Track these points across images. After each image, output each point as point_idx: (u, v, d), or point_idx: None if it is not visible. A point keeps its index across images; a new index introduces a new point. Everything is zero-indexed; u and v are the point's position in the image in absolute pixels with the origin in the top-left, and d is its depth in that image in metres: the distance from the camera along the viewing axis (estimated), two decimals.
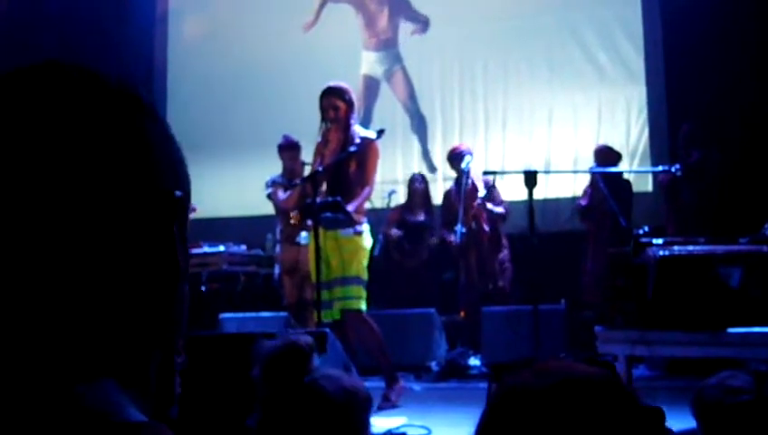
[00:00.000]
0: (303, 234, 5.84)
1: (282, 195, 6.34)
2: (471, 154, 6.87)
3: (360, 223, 4.88)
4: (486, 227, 6.80)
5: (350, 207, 4.80)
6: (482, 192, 6.70)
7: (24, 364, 0.56)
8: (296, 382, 1.79)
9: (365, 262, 4.89)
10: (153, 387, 0.64)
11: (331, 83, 5.10)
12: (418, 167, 8.46)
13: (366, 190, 4.93)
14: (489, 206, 6.75)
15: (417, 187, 7.39)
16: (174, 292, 0.66)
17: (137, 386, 0.61)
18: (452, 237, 6.74)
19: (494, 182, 6.75)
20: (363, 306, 4.83)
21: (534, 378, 0.95)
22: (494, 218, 6.83)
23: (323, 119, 4.97)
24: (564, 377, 0.94)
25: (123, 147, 0.61)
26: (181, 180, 0.67)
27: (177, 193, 0.65)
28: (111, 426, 0.54)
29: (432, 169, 8.51)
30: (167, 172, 0.65)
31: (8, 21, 8.34)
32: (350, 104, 4.97)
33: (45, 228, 0.57)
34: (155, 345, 0.64)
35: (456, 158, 6.92)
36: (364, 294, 4.84)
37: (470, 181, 6.67)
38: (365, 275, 4.86)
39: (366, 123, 8.77)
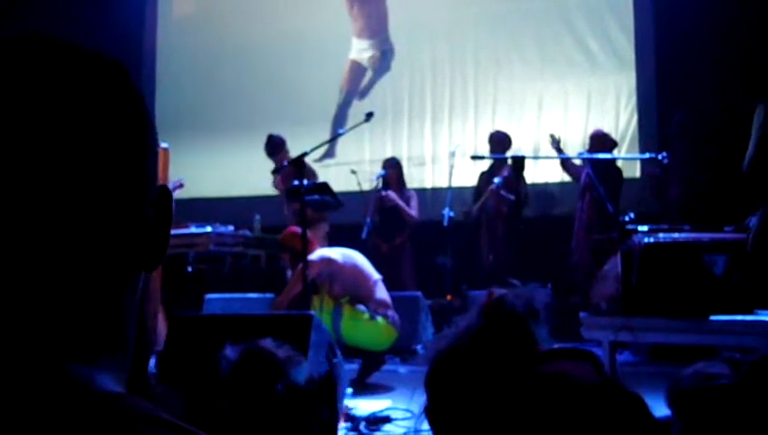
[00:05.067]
0: None
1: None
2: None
3: None
4: (505, 209, 7.02)
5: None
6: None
7: (17, 343, 0.58)
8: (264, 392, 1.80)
9: None
10: (130, 359, 0.66)
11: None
12: (408, 150, 8.45)
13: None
14: (502, 192, 6.96)
15: (391, 171, 7.37)
16: (148, 273, 0.68)
17: (115, 359, 0.63)
18: (473, 208, 7.25)
19: (510, 172, 6.84)
20: None
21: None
22: (510, 204, 6.94)
23: None
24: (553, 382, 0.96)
25: (108, 123, 0.62)
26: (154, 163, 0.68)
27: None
28: (93, 395, 0.56)
29: (421, 152, 8.51)
30: (149, 152, 0.66)
31: None
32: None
33: (31, 205, 0.58)
34: (130, 319, 0.66)
35: (498, 142, 7.17)
36: None
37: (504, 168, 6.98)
38: None
39: (348, 106, 8.77)
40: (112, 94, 0.63)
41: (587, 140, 7.12)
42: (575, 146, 7.43)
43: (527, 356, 1.10)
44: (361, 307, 5.08)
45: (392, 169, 7.39)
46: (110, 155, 0.61)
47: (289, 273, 5.94)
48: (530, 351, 1.12)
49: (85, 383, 0.57)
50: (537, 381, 1.04)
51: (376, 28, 8.88)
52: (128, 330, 0.66)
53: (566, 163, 7.11)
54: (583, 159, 6.70)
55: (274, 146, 7.10)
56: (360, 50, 8.92)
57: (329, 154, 8.49)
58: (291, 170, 5.91)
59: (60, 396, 0.55)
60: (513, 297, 1.24)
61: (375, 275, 5.28)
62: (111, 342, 0.63)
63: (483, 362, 1.12)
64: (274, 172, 6.68)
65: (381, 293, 5.23)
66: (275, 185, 7.06)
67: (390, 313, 5.17)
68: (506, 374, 1.07)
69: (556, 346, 1.14)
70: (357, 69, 8.89)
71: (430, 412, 1.18)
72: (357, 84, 8.87)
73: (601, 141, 6.88)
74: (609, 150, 6.85)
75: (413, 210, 7.27)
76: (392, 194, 7.24)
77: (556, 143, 6.92)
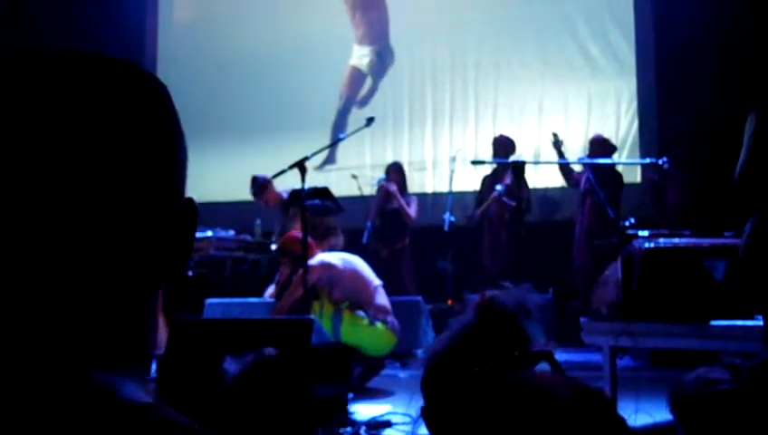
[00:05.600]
0: None
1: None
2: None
3: None
4: (507, 215, 7.05)
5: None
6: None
7: (44, 350, 0.58)
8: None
9: None
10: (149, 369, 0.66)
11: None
12: (408, 155, 8.46)
13: None
14: (504, 199, 7.01)
15: (394, 176, 7.38)
16: (170, 281, 0.69)
17: (139, 368, 0.64)
18: (476, 213, 7.29)
19: (513, 180, 6.85)
20: None
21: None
22: (512, 210, 6.95)
23: None
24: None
25: (143, 137, 0.63)
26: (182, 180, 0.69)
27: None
28: (121, 405, 0.57)
29: (422, 157, 8.51)
30: (181, 168, 0.67)
31: None
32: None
33: (64, 214, 0.58)
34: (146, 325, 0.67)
35: (502, 146, 7.22)
36: None
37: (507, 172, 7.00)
38: None
39: (348, 112, 8.77)
40: (149, 109, 0.64)
41: (587, 145, 7.13)
42: (575, 151, 7.43)
43: (501, 363, 1.11)
44: (361, 313, 5.09)
45: (395, 173, 7.40)
46: (144, 167, 0.62)
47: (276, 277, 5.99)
48: (505, 359, 1.14)
49: (112, 392, 0.57)
50: (509, 389, 1.05)
51: (377, 35, 8.89)
52: (148, 339, 0.66)
53: (565, 168, 7.10)
54: (584, 164, 6.70)
55: (259, 187, 7.04)
56: (361, 56, 8.93)
57: (330, 160, 8.50)
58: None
59: (87, 406, 0.55)
60: (505, 297, 1.25)
61: (375, 280, 5.28)
62: (134, 350, 0.64)
63: (477, 361, 1.13)
64: (275, 177, 6.65)
65: (381, 298, 5.23)
66: (263, 202, 7.04)
67: (390, 318, 5.17)
68: (485, 381, 1.09)
69: (517, 353, 1.15)
70: (357, 75, 8.91)
71: (427, 414, 1.18)
72: (357, 90, 8.88)
73: (601, 146, 6.88)
74: (609, 155, 6.86)
75: (413, 213, 7.28)
76: (393, 186, 7.25)
77: (558, 144, 6.90)
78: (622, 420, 1.04)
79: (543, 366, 1.13)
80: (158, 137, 0.64)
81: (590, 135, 7.31)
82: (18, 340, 0.58)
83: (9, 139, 0.58)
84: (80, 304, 0.60)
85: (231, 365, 2.29)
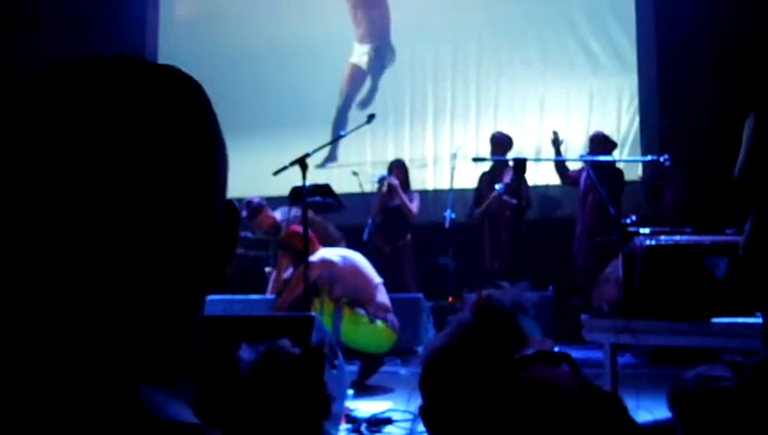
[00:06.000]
0: None
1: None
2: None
3: None
4: (507, 213, 7.04)
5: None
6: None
7: (92, 363, 0.57)
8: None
9: None
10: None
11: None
12: (409, 152, 8.45)
13: None
14: (505, 198, 7.01)
15: (397, 173, 7.38)
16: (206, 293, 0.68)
17: (187, 382, 0.63)
18: (476, 212, 7.26)
19: (512, 176, 6.84)
20: None
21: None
22: (513, 208, 6.94)
23: None
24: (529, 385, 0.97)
25: (185, 143, 0.63)
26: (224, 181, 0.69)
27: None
28: (165, 426, 0.55)
29: (423, 154, 8.51)
30: (221, 173, 0.67)
31: None
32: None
33: (112, 222, 0.58)
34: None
35: (500, 143, 7.20)
36: None
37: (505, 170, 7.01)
38: None
39: (347, 110, 8.77)
40: (189, 115, 0.64)
41: (588, 143, 7.12)
42: (577, 148, 7.43)
43: (506, 363, 1.11)
44: (361, 311, 5.08)
45: (398, 170, 7.40)
46: (186, 175, 0.62)
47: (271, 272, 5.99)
48: (508, 358, 1.13)
49: (156, 411, 0.56)
50: (515, 387, 1.05)
51: (378, 33, 8.88)
52: (196, 350, 0.65)
53: (560, 166, 7.07)
54: (585, 162, 6.69)
55: (253, 211, 7.03)
56: (362, 54, 8.92)
57: (331, 158, 8.49)
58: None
59: (129, 425, 0.54)
60: (501, 296, 1.26)
61: (376, 278, 5.28)
62: (182, 363, 0.62)
63: (475, 359, 1.13)
64: (276, 174, 6.65)
65: (382, 296, 5.23)
66: (257, 225, 7.05)
67: (390, 316, 5.17)
68: (487, 379, 1.08)
69: (530, 351, 1.15)
70: (357, 73, 8.90)
71: (425, 413, 1.18)
72: (357, 88, 8.87)
73: (601, 143, 6.87)
74: (609, 152, 6.85)
75: (414, 209, 7.27)
76: (395, 180, 7.25)
77: (557, 142, 6.86)
78: (635, 424, 1.03)
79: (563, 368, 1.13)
80: (198, 142, 0.64)
81: (592, 132, 7.29)
82: (64, 351, 0.56)
83: (57, 145, 0.58)
84: (126, 313, 0.58)
85: (246, 353, 2.29)
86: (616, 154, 7.70)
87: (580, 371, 1.10)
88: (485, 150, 7.40)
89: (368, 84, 8.85)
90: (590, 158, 6.58)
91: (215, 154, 0.66)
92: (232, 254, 0.68)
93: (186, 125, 0.63)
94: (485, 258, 7.21)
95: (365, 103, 8.79)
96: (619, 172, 6.88)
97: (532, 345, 1.17)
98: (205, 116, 0.66)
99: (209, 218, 0.64)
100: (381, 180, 7.35)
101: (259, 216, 7.02)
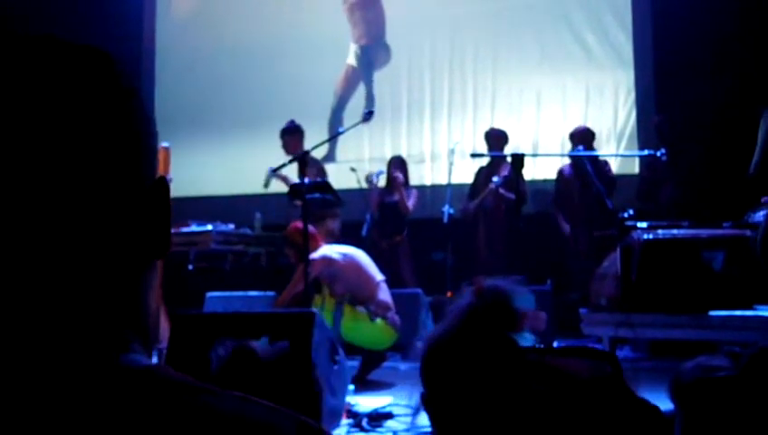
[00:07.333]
0: None
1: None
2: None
3: None
4: (503, 207, 7.07)
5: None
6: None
7: (67, 342, 0.60)
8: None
9: None
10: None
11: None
12: (407, 147, 8.46)
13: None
14: (501, 191, 7.03)
15: (397, 169, 7.39)
16: (154, 268, 0.69)
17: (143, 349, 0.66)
18: (470, 205, 7.29)
19: (510, 170, 6.85)
20: None
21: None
22: (510, 202, 6.95)
23: None
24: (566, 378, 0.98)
25: (97, 119, 0.63)
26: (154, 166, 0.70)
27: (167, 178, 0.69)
28: (130, 370, 0.60)
29: (420, 150, 8.52)
30: (150, 155, 0.68)
31: None
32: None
33: (35, 205, 0.59)
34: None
35: (496, 138, 7.22)
36: None
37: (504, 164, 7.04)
38: None
39: (342, 110, 8.77)
40: (112, 96, 0.64)
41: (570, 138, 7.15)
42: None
43: (541, 350, 1.12)
44: (361, 309, 5.10)
45: (397, 166, 7.42)
46: (107, 151, 0.62)
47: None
48: (512, 342, 1.15)
49: (149, 366, 0.61)
50: (523, 368, 1.06)
51: (374, 34, 8.88)
52: (148, 324, 0.68)
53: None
54: (581, 157, 6.71)
55: (290, 129, 7.15)
56: (357, 54, 8.92)
57: (329, 157, 8.48)
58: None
59: (129, 380, 0.59)
60: (498, 282, 1.29)
61: (378, 276, 5.30)
62: (134, 337, 0.65)
63: (476, 342, 1.15)
64: (275, 171, 6.67)
65: (384, 294, 5.25)
66: (284, 145, 7.07)
67: (390, 314, 5.19)
68: (490, 362, 1.10)
69: (571, 344, 1.16)
70: (352, 73, 8.89)
71: (427, 399, 1.19)
72: (352, 88, 8.87)
73: (587, 137, 6.91)
74: (592, 145, 6.90)
75: (411, 205, 7.28)
76: (401, 176, 7.27)
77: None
78: (652, 407, 1.04)
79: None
80: (122, 122, 0.64)
81: (589, 125, 7.30)
82: (26, 338, 0.58)
83: None
84: (69, 294, 0.60)
85: (216, 352, 2.30)
86: (613, 148, 7.72)
87: (623, 374, 1.10)
88: (483, 145, 7.42)
89: (363, 84, 8.86)
90: (589, 153, 6.60)
91: (135, 132, 0.66)
92: (166, 225, 0.68)
93: (102, 105, 0.63)
94: (481, 251, 7.23)
95: (359, 100, 8.79)
96: (606, 164, 6.94)
97: (526, 319, 1.19)
98: (125, 96, 0.65)
99: (134, 194, 0.65)
100: (374, 177, 7.36)
101: (293, 135, 7.06)
